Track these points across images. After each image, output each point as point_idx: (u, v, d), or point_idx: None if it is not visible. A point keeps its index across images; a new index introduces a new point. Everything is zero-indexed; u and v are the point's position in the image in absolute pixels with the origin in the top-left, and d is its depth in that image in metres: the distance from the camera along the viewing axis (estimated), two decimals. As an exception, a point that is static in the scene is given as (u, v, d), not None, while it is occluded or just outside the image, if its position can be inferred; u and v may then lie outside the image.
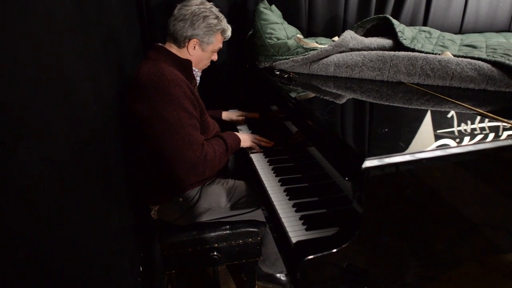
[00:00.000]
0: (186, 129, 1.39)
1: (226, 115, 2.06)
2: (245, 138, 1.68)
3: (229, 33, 1.61)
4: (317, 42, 1.97)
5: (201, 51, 1.56)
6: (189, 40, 1.52)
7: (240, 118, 2.05)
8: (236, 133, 1.68)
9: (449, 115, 1.30)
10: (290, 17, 2.31)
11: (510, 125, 1.17)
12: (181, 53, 1.55)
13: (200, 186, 1.60)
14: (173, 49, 1.55)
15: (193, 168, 1.41)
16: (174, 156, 1.39)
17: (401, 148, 1.04)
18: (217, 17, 1.53)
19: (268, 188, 1.40)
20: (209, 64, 1.68)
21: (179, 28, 1.50)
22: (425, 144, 1.07)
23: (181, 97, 1.39)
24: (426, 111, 1.36)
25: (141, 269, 1.43)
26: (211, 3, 1.58)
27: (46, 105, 0.72)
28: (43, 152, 0.69)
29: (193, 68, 1.59)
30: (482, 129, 1.16)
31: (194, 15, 1.49)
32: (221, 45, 1.62)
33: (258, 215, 1.61)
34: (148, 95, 1.37)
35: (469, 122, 1.22)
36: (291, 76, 1.78)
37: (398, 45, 1.90)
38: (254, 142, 1.69)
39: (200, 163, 1.42)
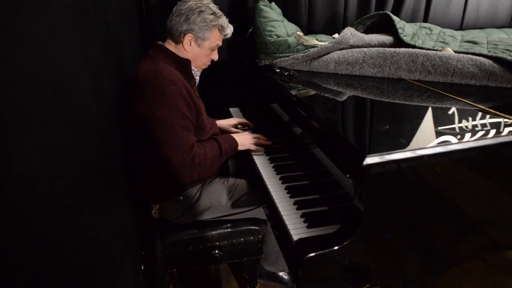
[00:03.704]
0: (177, 130, 1.38)
1: (223, 123, 1.92)
2: (242, 141, 1.65)
3: (228, 31, 1.59)
4: (317, 40, 1.96)
5: (197, 48, 1.54)
6: (184, 35, 1.50)
7: (234, 129, 1.92)
8: (234, 135, 1.66)
9: (450, 112, 1.30)
10: (290, 15, 2.31)
11: (511, 121, 1.17)
12: (179, 51, 1.54)
13: (200, 184, 1.60)
14: (172, 46, 1.54)
15: (179, 170, 1.41)
16: (163, 156, 1.38)
17: (402, 144, 1.03)
18: (214, 13, 1.51)
19: (269, 186, 1.40)
20: (209, 63, 1.65)
21: (175, 23, 1.50)
22: (426, 140, 1.07)
23: (176, 96, 1.38)
24: (427, 107, 1.36)
25: (142, 267, 1.44)
26: (210, 0, 1.57)
27: (46, 104, 0.72)
28: (43, 152, 0.69)
29: (192, 67, 1.58)
30: (483, 125, 1.16)
31: (190, 10, 1.48)
32: (220, 43, 1.59)
33: (259, 213, 1.61)
34: (144, 93, 1.37)
35: (470, 118, 1.21)
36: (291, 73, 1.77)
37: (399, 42, 1.90)
38: (253, 143, 1.67)
39: (187, 166, 1.41)
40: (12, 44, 0.61)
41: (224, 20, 1.56)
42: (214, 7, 1.54)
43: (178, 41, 1.52)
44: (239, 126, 1.96)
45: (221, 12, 1.56)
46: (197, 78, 1.65)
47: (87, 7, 1.10)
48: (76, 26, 0.96)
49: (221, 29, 1.55)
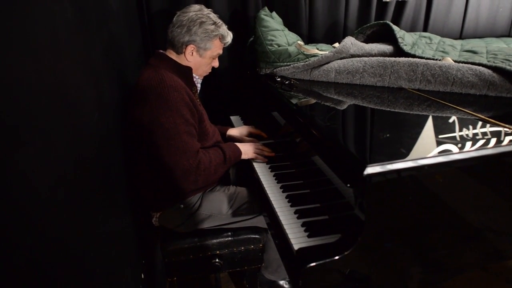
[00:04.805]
0: (182, 136, 1.39)
1: (235, 132, 1.94)
2: (246, 150, 1.65)
3: (229, 39, 1.60)
4: (317, 49, 1.97)
5: (199, 57, 1.56)
6: (186, 46, 1.52)
7: (248, 138, 1.90)
8: (238, 144, 1.66)
9: (450, 121, 1.30)
10: (291, 24, 2.32)
11: (511, 130, 1.17)
12: (181, 60, 1.55)
13: (201, 192, 1.59)
14: (173, 55, 1.55)
15: (185, 175, 1.41)
16: (168, 163, 1.39)
17: (403, 154, 1.03)
18: (214, 23, 1.53)
19: (269, 195, 1.40)
20: (210, 71, 1.67)
21: (176, 34, 1.51)
22: (427, 150, 1.07)
23: (179, 103, 1.39)
24: (427, 116, 1.36)
25: (142, 276, 1.43)
26: (210, 9, 1.59)
27: (47, 112, 0.72)
28: (43, 160, 0.69)
29: (194, 74, 1.60)
30: (484, 134, 1.16)
31: (191, 21, 1.49)
32: (220, 51, 1.61)
33: (260, 221, 1.61)
34: (147, 101, 1.38)
35: (470, 127, 1.22)
36: (292, 82, 1.78)
37: (399, 51, 1.90)
38: (256, 152, 1.66)
39: (193, 171, 1.41)
40: (13, 53, 0.62)
41: (224, 29, 1.57)
42: (214, 16, 1.55)
43: (180, 51, 1.54)
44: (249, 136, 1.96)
45: (221, 21, 1.57)
46: (199, 85, 1.66)
47: (89, 15, 1.11)
48: (78, 34, 0.97)
49: (222, 38, 1.57)
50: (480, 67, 1.57)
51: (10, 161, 0.58)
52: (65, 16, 0.88)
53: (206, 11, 1.55)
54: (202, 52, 1.55)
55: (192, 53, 1.54)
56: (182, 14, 1.53)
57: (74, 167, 0.84)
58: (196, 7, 1.56)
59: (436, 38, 2.20)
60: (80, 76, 0.95)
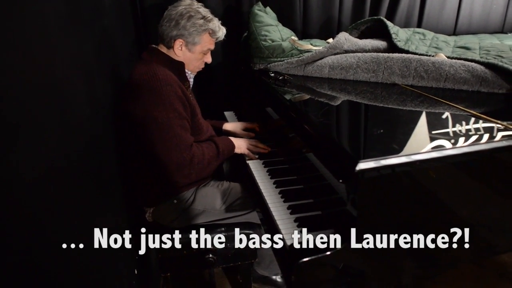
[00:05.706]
0: (175, 130, 1.39)
1: (231, 126, 1.96)
2: (239, 144, 1.65)
3: (220, 34, 1.59)
4: (311, 44, 1.97)
5: (188, 52, 1.55)
6: (175, 40, 1.51)
7: (244, 132, 1.93)
8: (232, 138, 1.66)
9: (443, 117, 1.31)
10: (285, 19, 2.31)
11: (503, 126, 1.18)
12: (171, 55, 1.55)
13: (195, 187, 1.59)
14: (164, 50, 1.55)
15: (179, 169, 1.41)
16: (162, 156, 1.39)
17: (396, 150, 1.04)
18: (203, 17, 1.51)
19: (263, 190, 1.40)
20: (202, 66, 1.66)
21: (165, 28, 1.51)
22: (420, 145, 1.07)
23: (172, 97, 1.38)
24: (420, 112, 1.37)
25: (136, 272, 1.43)
26: (201, 4, 1.57)
27: (39, 108, 0.72)
28: (36, 155, 0.69)
29: (186, 70, 1.59)
30: (477, 130, 1.17)
31: (180, 15, 1.48)
32: (211, 47, 1.59)
33: (253, 217, 1.61)
34: (140, 95, 1.37)
35: (463, 123, 1.22)
36: (285, 78, 1.78)
37: (392, 47, 1.91)
38: (249, 148, 1.67)
39: (186, 165, 1.41)
40: (3, 48, 0.61)
41: (215, 24, 1.55)
42: (204, 11, 1.54)
43: (169, 46, 1.53)
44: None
45: (211, 16, 1.55)
46: (191, 80, 1.65)
47: (82, 10, 1.10)
48: (70, 29, 0.96)
49: (212, 33, 1.55)
50: (473, 63, 1.57)
51: (3, 158, 0.58)
52: (57, 11, 0.87)
53: (196, 5, 1.54)
54: (191, 47, 1.54)
55: (181, 47, 1.52)
56: (172, 8, 1.52)
57: (66, 162, 0.83)
58: (186, 1, 1.54)
59: (430, 34, 2.21)
60: (72, 72, 0.95)
